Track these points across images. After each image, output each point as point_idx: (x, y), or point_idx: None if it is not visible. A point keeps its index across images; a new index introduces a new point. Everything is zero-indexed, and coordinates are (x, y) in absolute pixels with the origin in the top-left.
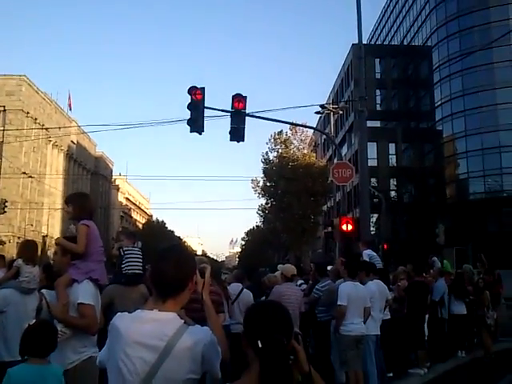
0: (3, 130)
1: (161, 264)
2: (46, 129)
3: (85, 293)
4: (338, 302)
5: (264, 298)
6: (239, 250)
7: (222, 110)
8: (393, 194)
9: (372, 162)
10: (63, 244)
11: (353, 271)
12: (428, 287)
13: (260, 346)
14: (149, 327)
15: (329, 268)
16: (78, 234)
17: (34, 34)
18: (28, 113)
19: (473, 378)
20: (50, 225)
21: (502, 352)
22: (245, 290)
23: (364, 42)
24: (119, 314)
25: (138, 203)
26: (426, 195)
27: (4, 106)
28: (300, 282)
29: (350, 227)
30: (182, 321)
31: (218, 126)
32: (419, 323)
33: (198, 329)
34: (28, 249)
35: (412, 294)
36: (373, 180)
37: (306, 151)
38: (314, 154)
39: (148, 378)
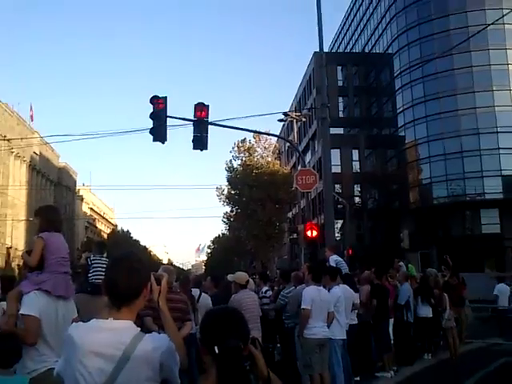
0: None
1: (113, 272)
2: (8, 140)
3: (27, 304)
4: (302, 306)
5: None
6: (205, 258)
7: (185, 119)
8: (357, 199)
9: (336, 169)
10: (23, 257)
11: (316, 276)
12: (387, 290)
13: (217, 351)
14: (104, 336)
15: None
16: (33, 247)
17: None
18: None
19: (439, 380)
20: (14, 236)
21: (468, 353)
22: (203, 294)
23: (326, 49)
24: (74, 324)
25: (102, 213)
26: (390, 200)
27: None
28: (265, 288)
29: (314, 233)
30: (138, 329)
31: (181, 134)
32: (383, 326)
33: (155, 336)
34: None
35: (373, 297)
36: (337, 186)
37: (269, 159)
38: (278, 162)
39: None
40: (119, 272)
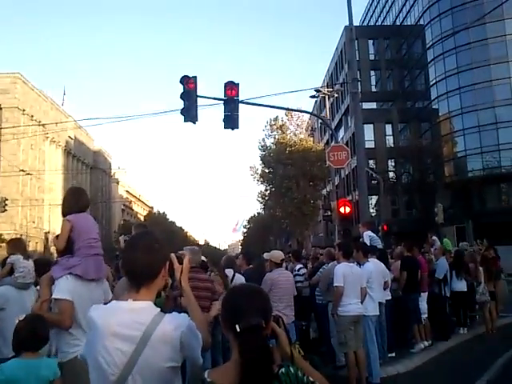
0: (0, 129)
1: (130, 253)
2: (43, 125)
3: (59, 288)
4: (335, 284)
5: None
6: (241, 237)
7: (215, 98)
8: (391, 174)
9: (369, 144)
10: (54, 242)
11: (347, 252)
12: (417, 263)
13: (238, 330)
14: (124, 317)
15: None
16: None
17: (25, 31)
18: (24, 110)
19: (475, 355)
20: (52, 221)
21: (503, 327)
22: (237, 274)
23: (356, 23)
24: (94, 306)
25: (138, 195)
26: (425, 175)
27: (0, 104)
28: (299, 266)
29: (347, 210)
30: (158, 309)
31: (213, 113)
32: (412, 298)
33: (175, 316)
34: (19, 244)
35: (403, 270)
36: (371, 162)
37: (302, 136)
38: (311, 139)
39: (127, 368)
40: (136, 252)
